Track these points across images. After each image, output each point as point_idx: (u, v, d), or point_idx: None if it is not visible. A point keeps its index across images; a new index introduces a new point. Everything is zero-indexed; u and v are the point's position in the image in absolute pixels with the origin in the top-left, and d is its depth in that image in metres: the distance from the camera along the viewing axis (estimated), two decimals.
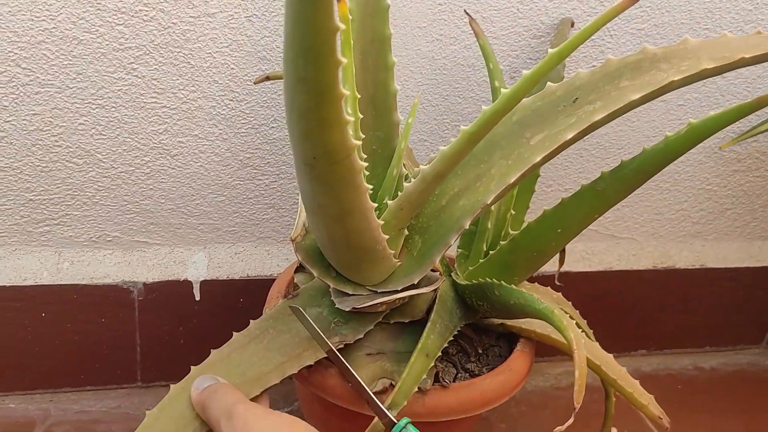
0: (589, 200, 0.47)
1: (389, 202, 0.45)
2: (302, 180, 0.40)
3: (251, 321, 0.48)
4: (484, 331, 0.58)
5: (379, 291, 0.49)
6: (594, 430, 0.72)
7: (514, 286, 0.46)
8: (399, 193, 0.46)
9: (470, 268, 0.55)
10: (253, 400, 0.43)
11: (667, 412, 0.55)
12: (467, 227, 0.46)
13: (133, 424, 0.65)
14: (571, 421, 0.38)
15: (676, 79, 0.39)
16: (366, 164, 0.37)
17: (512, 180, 0.44)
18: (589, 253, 0.77)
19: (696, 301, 0.82)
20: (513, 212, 0.56)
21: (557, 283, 0.64)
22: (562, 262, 0.62)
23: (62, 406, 0.66)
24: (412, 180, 0.44)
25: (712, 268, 0.81)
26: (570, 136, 0.43)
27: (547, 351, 0.76)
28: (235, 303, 0.68)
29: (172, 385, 0.43)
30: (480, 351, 0.56)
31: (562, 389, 0.78)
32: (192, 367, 0.44)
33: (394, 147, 0.49)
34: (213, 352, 0.45)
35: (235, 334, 0.47)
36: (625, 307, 0.80)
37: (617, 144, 0.71)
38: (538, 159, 0.44)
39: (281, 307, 0.50)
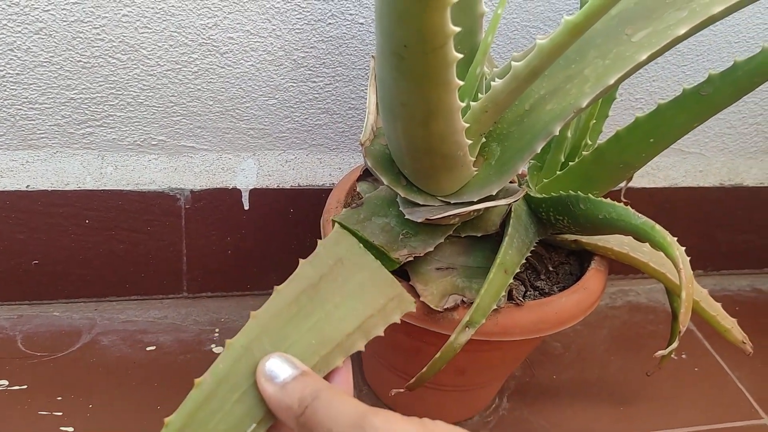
0: (690, 106, 0.42)
1: (472, 103, 0.41)
2: (386, 75, 0.36)
3: (318, 242, 0.38)
4: (553, 248, 0.54)
5: (452, 202, 0.46)
6: (650, 351, 0.70)
7: (603, 199, 0.43)
8: (480, 95, 0.42)
9: (545, 180, 0.51)
10: (334, 372, 0.33)
11: None
12: (557, 133, 0.41)
13: (181, 335, 0.63)
14: (675, 345, 0.35)
15: None
16: (460, 56, 0.33)
17: (611, 81, 0.40)
18: (654, 168, 0.72)
19: (760, 221, 0.78)
20: (594, 121, 0.51)
21: (623, 200, 0.60)
22: (630, 177, 0.58)
23: (108, 315, 0.64)
24: (497, 80, 0.39)
25: None
26: (682, 31, 0.38)
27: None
28: (285, 213, 0.65)
29: (228, 341, 0.32)
30: (550, 269, 0.53)
31: (617, 308, 0.76)
32: (251, 312, 0.33)
33: (476, 42, 0.44)
34: (276, 289, 0.34)
35: (301, 262, 0.36)
36: (688, 225, 0.76)
37: (696, 51, 0.65)
38: (643, 57, 0.39)
39: (344, 232, 0.42)
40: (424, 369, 0.42)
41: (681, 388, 0.66)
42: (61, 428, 0.53)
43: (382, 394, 0.60)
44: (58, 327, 0.62)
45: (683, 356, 0.70)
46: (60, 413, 0.54)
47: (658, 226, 0.38)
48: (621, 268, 0.78)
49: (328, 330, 0.33)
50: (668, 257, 0.37)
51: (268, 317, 0.32)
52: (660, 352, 0.35)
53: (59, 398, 0.55)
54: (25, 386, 0.56)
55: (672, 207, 0.74)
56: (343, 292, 0.35)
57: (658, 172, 0.73)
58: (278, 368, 0.30)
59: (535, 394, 0.63)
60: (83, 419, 0.54)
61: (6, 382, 0.56)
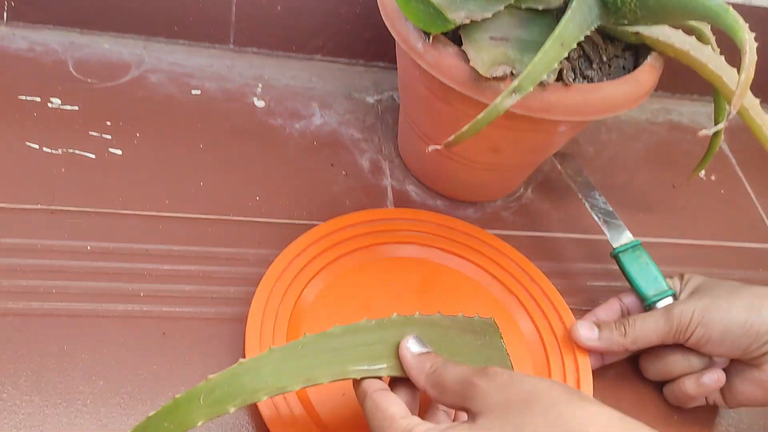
0: None
1: None
2: None
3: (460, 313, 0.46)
4: (611, 40, 0.53)
5: None
6: (681, 168, 0.70)
7: None
8: None
9: None
10: None
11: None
12: None
13: (226, 84, 0.65)
14: (723, 125, 0.35)
15: None
16: None
17: None
18: None
19: None
20: None
21: None
22: None
23: (155, 55, 0.65)
24: None
25: None
26: None
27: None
28: None
29: None
30: (604, 59, 0.51)
31: (657, 124, 0.75)
32: (418, 312, 0.43)
33: None
34: (440, 313, 0.44)
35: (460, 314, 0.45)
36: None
37: None
38: None
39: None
40: (465, 128, 0.43)
41: (703, 206, 0.68)
42: (110, 149, 0.56)
43: (412, 167, 0.62)
44: (107, 58, 0.63)
45: (712, 178, 0.71)
46: (109, 136, 0.57)
47: (732, 9, 0.37)
48: (669, 84, 0.76)
49: (456, 357, 0.41)
50: (736, 41, 0.36)
51: (425, 322, 0.42)
52: (704, 131, 0.35)
53: (108, 123, 0.58)
54: (77, 107, 0.58)
55: None
56: (476, 351, 0.44)
57: None
58: (416, 344, 0.40)
59: (559, 189, 0.65)
60: (130, 145, 0.57)
61: (59, 101, 0.58)
